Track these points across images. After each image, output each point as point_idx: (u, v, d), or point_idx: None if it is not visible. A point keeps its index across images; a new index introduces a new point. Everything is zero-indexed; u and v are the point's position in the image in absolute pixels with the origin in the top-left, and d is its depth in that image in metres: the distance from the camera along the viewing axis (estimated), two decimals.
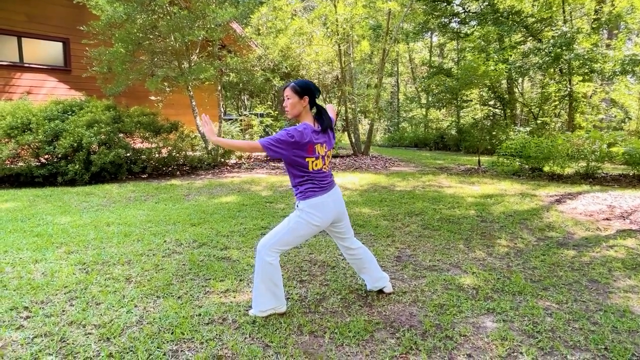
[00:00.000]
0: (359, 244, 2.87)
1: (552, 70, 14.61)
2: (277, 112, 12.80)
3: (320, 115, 2.58)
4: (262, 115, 12.69)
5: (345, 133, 13.80)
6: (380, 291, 2.99)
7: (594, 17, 14.46)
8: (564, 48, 12.63)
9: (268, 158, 11.54)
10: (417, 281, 3.22)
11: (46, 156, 7.49)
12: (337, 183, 6.37)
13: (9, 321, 2.50)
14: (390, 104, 29.30)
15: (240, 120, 12.43)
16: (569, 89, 14.34)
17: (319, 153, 2.51)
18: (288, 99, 2.52)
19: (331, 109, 2.99)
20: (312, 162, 2.49)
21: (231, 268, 3.39)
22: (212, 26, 8.92)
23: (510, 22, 14.64)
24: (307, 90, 2.50)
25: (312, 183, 2.52)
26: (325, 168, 2.58)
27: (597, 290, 3.09)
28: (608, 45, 14.39)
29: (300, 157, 2.46)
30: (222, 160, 10.10)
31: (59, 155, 7.38)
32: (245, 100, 18.05)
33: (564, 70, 14.35)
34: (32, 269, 3.30)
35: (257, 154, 11.95)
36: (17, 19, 9.00)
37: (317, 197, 2.51)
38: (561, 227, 4.80)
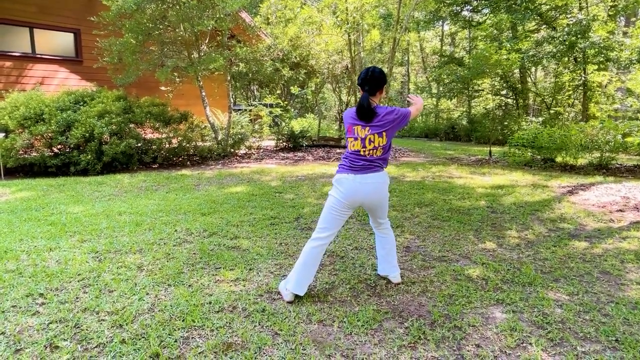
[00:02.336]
0: (387, 228, 2.99)
1: (566, 59, 14.32)
2: (286, 103, 12.77)
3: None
4: (271, 106, 12.68)
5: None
6: (388, 281, 3.00)
7: (611, 3, 14.09)
8: (579, 36, 12.36)
9: (277, 148, 11.56)
10: (426, 271, 3.22)
11: (59, 146, 7.60)
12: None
13: (25, 307, 2.56)
14: (400, 94, 29.05)
15: (250, 111, 12.43)
16: (583, 78, 14.06)
17: (358, 134, 2.65)
18: None
19: (416, 99, 2.96)
20: (351, 141, 2.69)
21: (241, 257, 3.42)
22: (222, 16, 8.89)
23: (524, 10, 14.33)
24: (358, 79, 2.74)
25: (346, 161, 2.71)
26: (364, 152, 2.65)
27: (608, 282, 3.06)
28: (625, 33, 14.06)
29: (346, 135, 2.73)
30: (232, 150, 10.14)
31: (72, 146, 7.48)
32: (255, 91, 18.04)
33: (579, 59, 14.06)
34: (47, 257, 3.36)
35: (266, 144, 11.99)
36: (29, 10, 9.06)
37: (341, 173, 2.69)
38: (573, 218, 4.75)
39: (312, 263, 2.69)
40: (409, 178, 7.22)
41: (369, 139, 2.63)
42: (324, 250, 2.73)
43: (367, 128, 2.62)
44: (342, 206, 2.67)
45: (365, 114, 2.61)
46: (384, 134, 2.64)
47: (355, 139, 2.65)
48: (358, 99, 2.71)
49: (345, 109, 2.75)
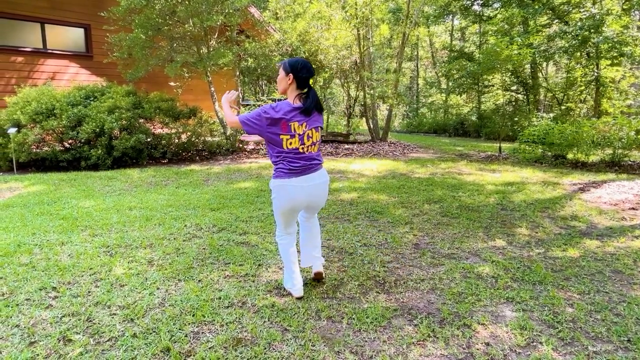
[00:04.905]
0: (315, 219, 2.90)
1: (578, 54, 14.11)
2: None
3: (307, 96, 2.54)
4: (279, 101, 12.66)
5: (363, 119, 13.69)
6: (397, 278, 2.99)
7: None
8: (592, 31, 12.15)
9: None
10: (436, 269, 3.20)
11: (70, 141, 7.67)
12: (355, 170, 6.35)
13: (38, 300, 2.60)
14: (409, 89, 28.87)
15: (258, 106, 12.45)
16: (596, 74, 13.84)
17: (295, 131, 2.47)
18: (279, 74, 2.58)
19: None
20: (287, 140, 2.48)
21: (250, 253, 3.43)
22: (231, 11, 8.89)
23: (536, 5, 14.12)
24: (293, 69, 2.50)
25: (283, 164, 2.52)
26: (303, 149, 2.51)
27: (620, 281, 3.03)
28: (639, 27, 13.78)
29: (275, 133, 2.47)
30: (240, 145, 10.16)
31: (82, 140, 7.55)
32: (263, 86, 18.04)
33: (592, 54, 13.84)
34: (59, 250, 3.41)
35: None
36: (40, 5, 9.13)
37: (281, 179, 2.53)
38: (584, 216, 4.69)
39: (295, 255, 2.75)
40: (418, 174, 7.18)
41: (307, 134, 2.51)
42: (295, 239, 2.79)
43: (305, 123, 2.49)
44: (290, 209, 2.61)
45: (317, 108, 2.52)
46: (319, 128, 2.57)
47: (292, 136, 2.47)
48: (306, 94, 2.53)
49: (275, 105, 2.50)
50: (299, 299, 2.68)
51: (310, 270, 3.00)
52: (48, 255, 3.31)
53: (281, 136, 2.47)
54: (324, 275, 2.93)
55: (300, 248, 2.96)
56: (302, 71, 2.49)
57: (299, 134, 2.48)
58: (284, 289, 2.80)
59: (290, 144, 2.48)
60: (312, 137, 2.53)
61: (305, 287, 2.80)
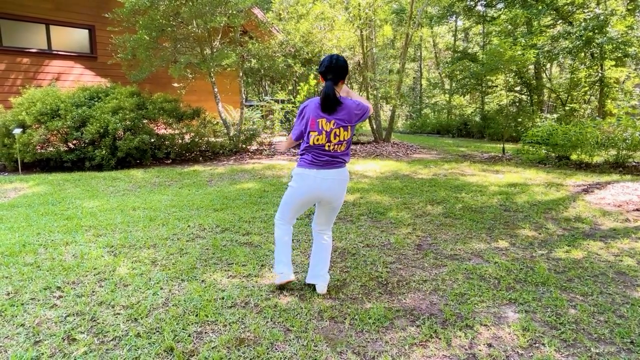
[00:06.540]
0: (329, 235, 2.86)
1: (582, 54, 14.06)
2: (297, 98, 12.76)
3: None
4: (282, 102, 12.68)
5: (367, 120, 13.66)
6: (399, 279, 3.00)
7: None
8: (596, 31, 12.12)
9: None
10: (438, 270, 3.21)
11: (74, 142, 7.72)
12: (358, 170, 6.34)
13: (43, 300, 2.62)
14: (412, 90, 28.84)
15: (261, 107, 12.47)
16: (600, 74, 13.80)
17: (322, 128, 2.52)
18: None
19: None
20: (315, 136, 2.54)
21: (253, 253, 3.44)
22: (234, 12, 8.91)
23: (540, 5, 14.08)
24: (319, 67, 2.60)
25: (307, 155, 2.60)
26: (329, 146, 2.54)
27: (624, 283, 3.02)
28: None
29: (307, 130, 2.57)
30: (244, 146, 10.18)
31: (87, 141, 7.59)
32: (267, 87, 18.07)
33: (596, 55, 13.79)
34: (63, 250, 3.43)
35: (278, 140, 12.01)
36: (45, 6, 9.19)
37: (302, 168, 2.60)
38: (588, 217, 4.68)
39: (288, 244, 2.78)
40: (421, 175, 7.18)
41: (335, 132, 2.52)
42: (292, 231, 2.84)
43: (333, 121, 2.50)
44: (303, 200, 2.65)
45: (331, 104, 2.48)
46: (349, 127, 2.55)
47: (320, 132, 2.51)
48: (321, 89, 2.54)
49: (307, 103, 2.58)
50: (282, 287, 2.74)
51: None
52: (52, 255, 3.33)
53: (310, 132, 2.54)
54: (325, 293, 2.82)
55: (309, 262, 2.92)
56: (320, 67, 2.58)
57: (326, 131, 2.52)
58: (287, 289, 2.81)
59: (317, 140, 2.54)
60: (338, 136, 2.54)
61: (308, 288, 2.81)
